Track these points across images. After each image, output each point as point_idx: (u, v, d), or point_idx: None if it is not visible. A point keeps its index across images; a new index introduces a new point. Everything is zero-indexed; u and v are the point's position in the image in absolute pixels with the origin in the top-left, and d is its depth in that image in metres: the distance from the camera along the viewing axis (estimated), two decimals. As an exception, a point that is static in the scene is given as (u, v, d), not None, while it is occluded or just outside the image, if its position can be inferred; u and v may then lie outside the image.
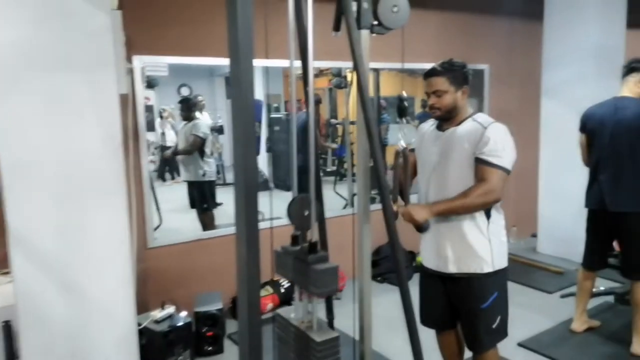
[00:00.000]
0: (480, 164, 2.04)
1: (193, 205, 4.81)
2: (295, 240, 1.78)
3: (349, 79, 5.39)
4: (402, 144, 2.00)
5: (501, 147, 2.03)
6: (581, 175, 4.61)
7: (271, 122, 6.54)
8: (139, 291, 3.21)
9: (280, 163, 6.40)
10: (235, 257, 1.69)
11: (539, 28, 4.90)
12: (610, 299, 3.78)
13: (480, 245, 2.12)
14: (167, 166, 6.40)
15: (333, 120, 6.83)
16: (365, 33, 1.82)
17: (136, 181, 3.21)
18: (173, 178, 6.28)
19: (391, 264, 4.47)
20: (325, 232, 2.09)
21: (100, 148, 2.19)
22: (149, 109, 7.07)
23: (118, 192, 2.27)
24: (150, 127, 5.19)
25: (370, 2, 1.76)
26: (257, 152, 6.13)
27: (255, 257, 1.67)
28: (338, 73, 5.20)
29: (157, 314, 2.83)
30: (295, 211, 1.72)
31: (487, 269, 2.13)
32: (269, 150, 6.76)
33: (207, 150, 5.04)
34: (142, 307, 3.03)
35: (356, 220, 1.99)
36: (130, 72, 2.40)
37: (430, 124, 2.28)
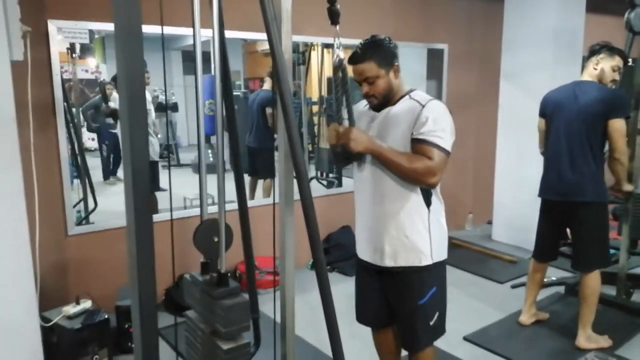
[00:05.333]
0: (420, 144, 1.81)
1: (132, 187, 4.47)
2: (205, 267, 1.56)
3: (308, 55, 5.14)
4: (340, 54, 1.76)
5: (441, 128, 1.82)
6: (538, 162, 4.51)
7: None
8: (53, 284, 2.92)
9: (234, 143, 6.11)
10: (127, 263, 1.46)
11: (500, 9, 4.74)
12: (561, 289, 3.69)
13: (419, 237, 1.92)
14: (113, 154, 5.98)
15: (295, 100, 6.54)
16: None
17: (50, 162, 2.90)
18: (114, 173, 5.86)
19: (342, 252, 4.29)
20: (251, 254, 1.88)
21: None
22: (91, 83, 6.63)
23: (11, 173, 1.97)
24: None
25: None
26: (212, 132, 5.86)
27: (147, 253, 1.43)
28: (295, 48, 4.93)
29: (71, 309, 2.55)
30: (202, 236, 1.50)
31: (426, 261, 1.94)
32: (227, 129, 6.44)
33: (150, 129, 4.71)
34: (63, 300, 2.74)
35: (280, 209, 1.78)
36: (28, 35, 2.08)
37: (364, 104, 2.05)
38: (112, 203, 4.64)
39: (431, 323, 1.99)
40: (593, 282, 2.83)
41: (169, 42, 6.72)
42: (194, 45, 1.57)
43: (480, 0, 5.06)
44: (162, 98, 5.87)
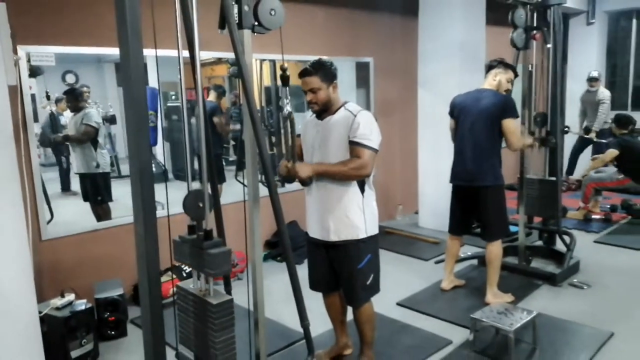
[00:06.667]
0: (354, 145, 2.39)
1: (86, 198, 4.72)
2: (192, 229, 1.99)
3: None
4: (288, 108, 2.28)
5: (369, 131, 2.39)
6: (451, 157, 5.24)
7: (169, 111, 6.44)
8: (35, 283, 3.20)
9: (179, 153, 6.31)
10: (135, 241, 1.85)
11: (415, 26, 5.42)
12: (475, 262, 4.39)
13: (355, 217, 2.47)
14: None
15: (235, 110, 6.88)
16: (247, 32, 2.06)
17: (27, 173, 3.19)
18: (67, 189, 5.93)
19: (290, 243, 4.77)
20: (221, 220, 2.32)
21: (-10, 140, 2.21)
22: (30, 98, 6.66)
23: (11, 183, 2.30)
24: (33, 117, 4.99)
25: (251, 5, 2.00)
26: (155, 142, 6.03)
27: (153, 237, 1.84)
28: (235, 62, 5.37)
29: (57, 301, 2.87)
30: (190, 204, 1.91)
31: (362, 235, 2.49)
32: (168, 139, 6.63)
33: (100, 140, 4.97)
34: (40, 298, 3.03)
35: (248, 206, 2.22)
36: (17, 63, 2.42)
37: (312, 115, 2.58)
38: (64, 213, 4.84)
39: (368, 283, 2.55)
40: (496, 248, 3.51)
41: (101, 55, 6.89)
42: (193, 61, 2.01)
43: (399, 16, 5.74)
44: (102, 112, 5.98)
